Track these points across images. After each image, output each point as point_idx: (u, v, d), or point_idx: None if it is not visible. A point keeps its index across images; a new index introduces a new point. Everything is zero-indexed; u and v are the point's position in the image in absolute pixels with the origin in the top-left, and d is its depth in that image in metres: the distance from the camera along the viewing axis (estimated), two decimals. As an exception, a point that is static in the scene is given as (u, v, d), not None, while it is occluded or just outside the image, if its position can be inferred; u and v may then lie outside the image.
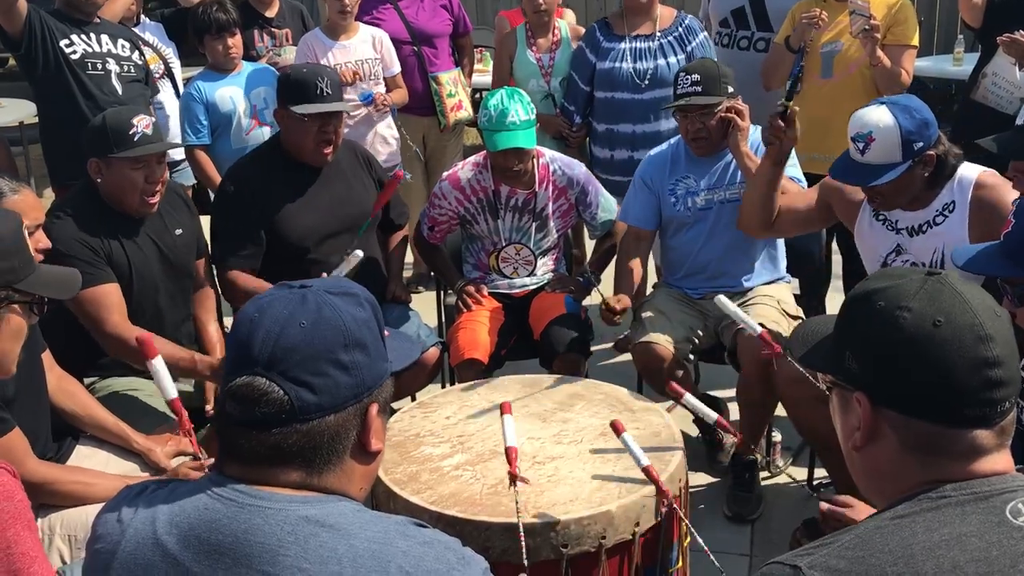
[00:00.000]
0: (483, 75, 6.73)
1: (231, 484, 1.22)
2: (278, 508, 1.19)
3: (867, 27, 3.71)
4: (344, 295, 1.29)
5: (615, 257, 3.47)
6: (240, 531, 1.17)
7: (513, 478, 2.09)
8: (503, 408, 2.27)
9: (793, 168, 3.25)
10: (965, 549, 1.09)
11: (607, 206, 3.53)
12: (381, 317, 1.33)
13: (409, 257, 5.26)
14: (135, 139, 2.73)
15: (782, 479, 3.39)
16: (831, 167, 2.79)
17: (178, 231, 2.99)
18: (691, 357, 3.38)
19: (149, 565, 1.19)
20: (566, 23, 4.60)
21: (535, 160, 3.37)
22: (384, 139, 4.58)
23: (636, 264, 3.38)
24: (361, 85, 4.44)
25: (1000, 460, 1.18)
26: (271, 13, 4.72)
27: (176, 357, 2.74)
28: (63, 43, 3.79)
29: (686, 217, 3.35)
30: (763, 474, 3.36)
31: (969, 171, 2.70)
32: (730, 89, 3.20)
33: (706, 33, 4.08)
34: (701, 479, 3.39)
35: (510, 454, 2.14)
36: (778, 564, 1.15)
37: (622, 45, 4.02)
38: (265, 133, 4.19)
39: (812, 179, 3.32)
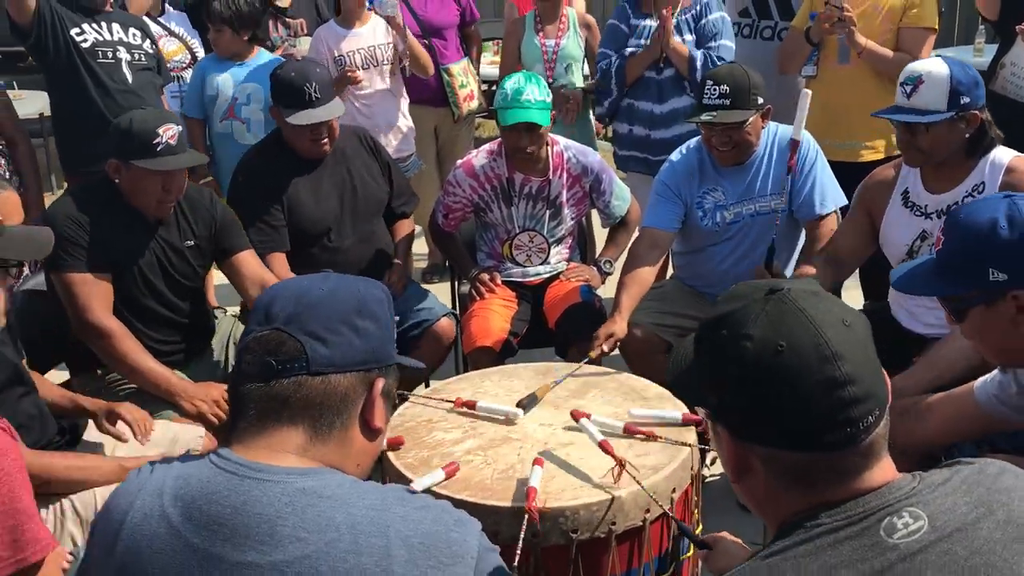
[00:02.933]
0: (496, 67, 6.74)
1: (234, 457, 1.25)
2: (276, 480, 1.22)
3: (840, 18, 3.69)
4: (362, 278, 1.40)
5: (624, 260, 3.35)
6: (239, 503, 1.20)
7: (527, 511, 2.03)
8: (535, 460, 2.21)
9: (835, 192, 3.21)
10: None
11: (621, 194, 3.53)
12: (393, 308, 1.41)
13: (424, 248, 5.32)
14: (157, 149, 2.72)
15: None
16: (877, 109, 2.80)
17: (188, 242, 2.96)
18: None
19: (154, 536, 1.22)
20: (575, 11, 4.59)
21: (549, 148, 3.37)
22: (398, 128, 4.59)
23: (645, 274, 3.17)
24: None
25: (877, 474, 1.12)
26: (284, 3, 4.78)
27: (153, 370, 2.73)
28: (73, 31, 3.82)
29: (714, 232, 3.27)
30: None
31: (1003, 154, 2.72)
32: (760, 100, 3.07)
33: (725, 14, 4.04)
34: (716, 468, 3.38)
35: (529, 493, 2.08)
36: None
37: (647, 22, 4.02)
38: (235, 127, 4.29)
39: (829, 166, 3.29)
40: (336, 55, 4.43)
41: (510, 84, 3.23)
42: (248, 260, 3.05)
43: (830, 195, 3.18)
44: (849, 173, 3.58)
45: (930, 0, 3.79)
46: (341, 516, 1.19)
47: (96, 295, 2.73)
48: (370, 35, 4.49)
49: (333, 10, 4.77)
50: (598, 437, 2.22)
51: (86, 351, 2.77)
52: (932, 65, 2.67)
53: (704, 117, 3.04)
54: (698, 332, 1.21)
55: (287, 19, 4.79)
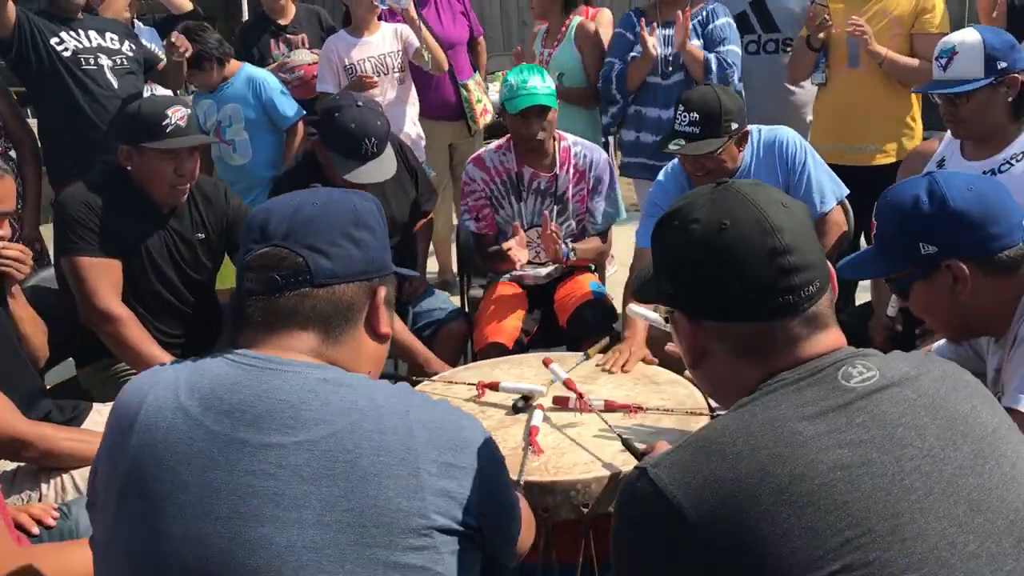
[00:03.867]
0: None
1: (250, 353, 1.28)
2: (297, 371, 1.25)
3: (826, 18, 3.72)
4: (353, 191, 1.43)
5: (626, 282, 3.17)
6: (261, 391, 1.22)
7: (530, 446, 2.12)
8: (537, 405, 2.32)
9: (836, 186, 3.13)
10: (802, 417, 1.10)
11: (615, 203, 3.48)
12: (384, 217, 1.43)
13: (434, 266, 5.31)
14: (167, 130, 2.70)
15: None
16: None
17: (199, 235, 2.94)
18: None
19: (170, 428, 1.22)
20: (576, 23, 4.57)
21: (556, 143, 3.37)
22: (407, 135, 4.62)
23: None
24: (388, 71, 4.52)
25: (826, 340, 1.20)
26: (285, 20, 4.84)
27: (159, 359, 2.62)
28: (53, 41, 3.84)
29: None
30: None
31: None
32: (733, 126, 2.90)
33: (731, 20, 4.04)
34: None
35: (532, 431, 2.17)
36: (632, 470, 1.15)
37: (654, 30, 4.01)
38: (222, 149, 4.38)
39: (836, 170, 3.27)
40: (346, 64, 4.46)
41: (514, 76, 3.24)
42: None
43: (828, 190, 3.08)
44: (861, 177, 3.55)
45: (939, 7, 3.78)
46: (364, 401, 1.23)
47: (105, 280, 2.70)
48: (380, 43, 4.53)
49: (341, 23, 4.79)
50: (563, 376, 2.40)
51: (93, 343, 2.74)
52: (964, 35, 2.67)
53: (672, 147, 2.89)
54: (654, 230, 1.29)
55: (288, 36, 4.81)
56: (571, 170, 3.40)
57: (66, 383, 2.99)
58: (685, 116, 2.89)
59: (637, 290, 1.37)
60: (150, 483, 1.19)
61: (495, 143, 3.48)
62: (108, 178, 2.82)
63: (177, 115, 2.72)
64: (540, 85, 3.21)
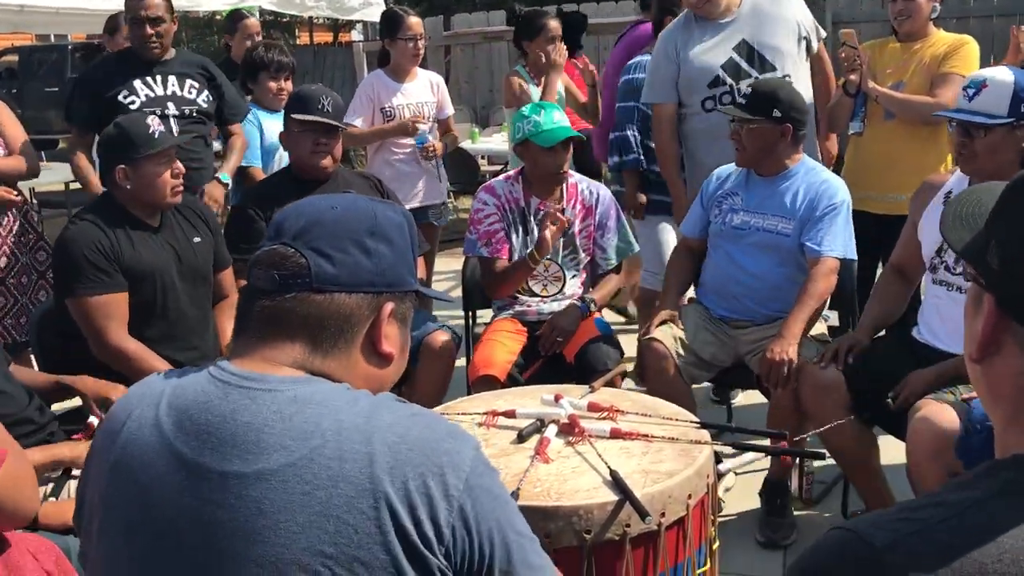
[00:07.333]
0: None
1: (230, 368, 1.25)
2: (267, 389, 1.21)
3: (856, 59, 3.72)
4: (383, 200, 1.38)
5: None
6: (228, 412, 1.19)
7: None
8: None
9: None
10: None
11: (626, 237, 3.54)
12: (416, 237, 1.39)
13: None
14: (156, 137, 2.87)
15: (816, 509, 3.30)
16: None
17: (196, 239, 3.08)
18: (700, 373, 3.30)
19: (147, 446, 1.21)
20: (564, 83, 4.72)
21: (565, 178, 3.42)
22: (431, 173, 4.71)
23: (680, 272, 3.43)
24: (420, 127, 4.56)
25: None
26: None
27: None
28: (120, 96, 3.96)
29: (720, 232, 3.31)
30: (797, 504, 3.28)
31: None
32: (776, 114, 3.09)
33: None
34: (733, 506, 3.30)
35: (543, 443, 2.20)
36: (848, 532, 0.90)
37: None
38: None
39: (867, 217, 3.26)
40: (386, 106, 4.55)
41: (534, 113, 3.32)
42: (224, 276, 3.25)
43: (839, 242, 3.11)
44: (889, 223, 3.55)
45: (972, 56, 3.72)
46: (328, 422, 1.17)
47: (113, 316, 2.80)
48: (418, 91, 4.65)
49: (378, 62, 4.85)
50: (569, 411, 2.40)
51: (108, 370, 2.78)
52: (997, 71, 2.68)
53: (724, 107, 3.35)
54: (1010, 184, 0.95)
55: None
56: (578, 205, 3.46)
57: (78, 409, 3.00)
58: (748, 88, 3.32)
59: (950, 228, 1.02)
60: (125, 504, 1.20)
61: (502, 176, 3.54)
62: (100, 208, 2.93)
63: (156, 123, 2.92)
64: (562, 119, 3.32)
